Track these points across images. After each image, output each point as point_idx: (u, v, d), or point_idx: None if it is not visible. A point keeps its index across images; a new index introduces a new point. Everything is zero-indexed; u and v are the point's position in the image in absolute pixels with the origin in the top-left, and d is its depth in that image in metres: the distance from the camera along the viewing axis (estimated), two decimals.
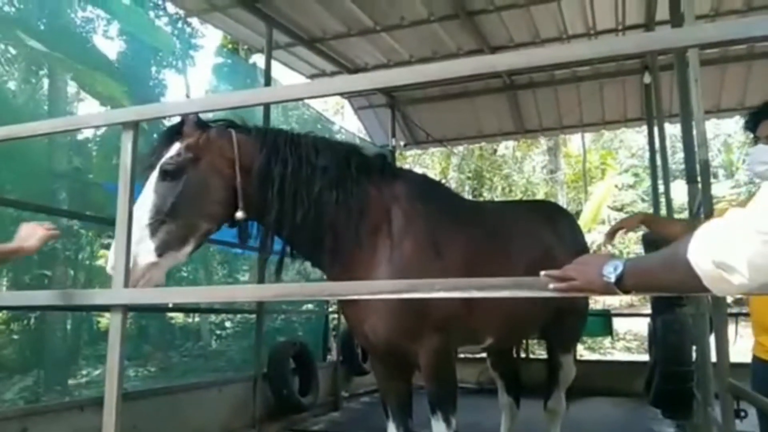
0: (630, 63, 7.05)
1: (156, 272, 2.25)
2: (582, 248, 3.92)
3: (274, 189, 2.47)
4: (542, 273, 1.54)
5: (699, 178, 3.19)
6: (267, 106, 5.48)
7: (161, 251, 2.23)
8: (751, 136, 2.54)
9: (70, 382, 6.25)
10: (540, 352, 7.89)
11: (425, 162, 16.01)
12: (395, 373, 2.99)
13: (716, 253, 1.14)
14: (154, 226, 2.24)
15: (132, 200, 2.10)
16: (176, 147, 2.37)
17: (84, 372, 6.67)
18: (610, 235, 2.88)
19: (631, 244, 16.57)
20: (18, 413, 3.35)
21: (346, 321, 3.23)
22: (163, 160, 2.35)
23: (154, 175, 2.34)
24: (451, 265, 2.73)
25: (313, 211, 2.52)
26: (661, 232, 2.80)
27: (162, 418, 4.14)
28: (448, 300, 2.52)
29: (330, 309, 7.55)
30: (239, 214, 2.41)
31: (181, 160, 2.34)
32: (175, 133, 2.43)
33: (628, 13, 5.80)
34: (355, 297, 2.40)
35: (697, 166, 3.18)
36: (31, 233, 2.21)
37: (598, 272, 1.40)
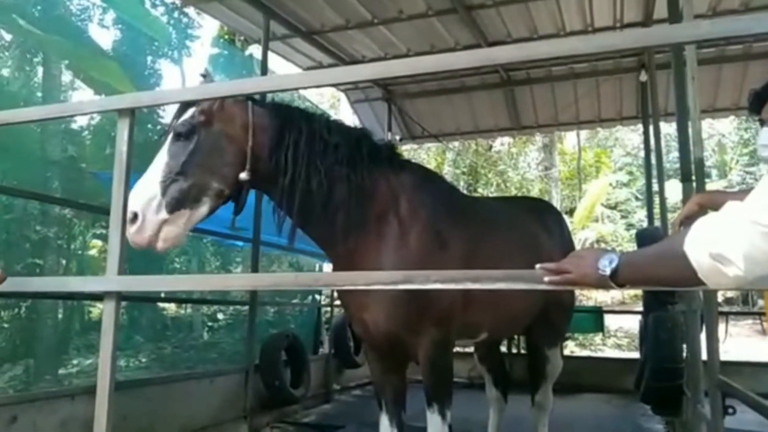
0: (627, 61, 7.06)
1: (170, 229, 2.25)
2: (568, 242, 4.08)
3: (288, 155, 2.50)
4: (537, 266, 1.54)
5: (694, 177, 3.21)
6: (263, 96, 5.47)
7: (172, 208, 2.25)
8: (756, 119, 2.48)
9: (61, 371, 6.22)
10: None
11: (421, 157, 16.00)
12: (391, 366, 2.99)
13: (713, 245, 1.14)
14: (166, 184, 2.26)
15: (127, 188, 2.09)
16: (191, 111, 2.42)
17: (75, 362, 6.64)
18: (677, 226, 2.87)
19: (624, 242, 16.66)
20: (8, 401, 3.33)
21: (345, 310, 3.23)
22: (178, 122, 2.40)
23: (170, 137, 2.38)
24: (454, 257, 2.75)
25: (326, 183, 2.54)
26: None
27: (153, 408, 4.13)
28: (450, 292, 2.53)
29: (323, 302, 7.56)
30: (243, 175, 2.42)
31: (195, 122, 2.38)
32: (192, 102, 2.47)
33: (626, 10, 5.81)
34: (351, 288, 2.40)
35: (692, 165, 3.20)
36: None
37: (593, 265, 1.41)
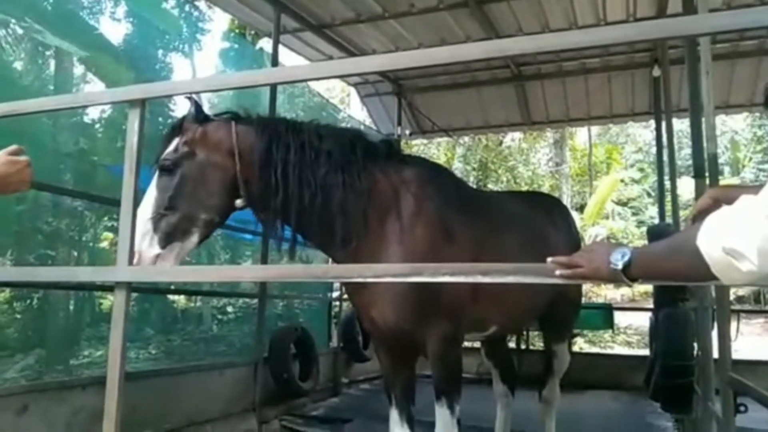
0: (639, 56, 7.00)
1: (164, 263, 2.32)
2: (575, 237, 4.13)
3: (277, 173, 2.48)
4: (549, 260, 1.53)
5: (707, 173, 3.17)
6: (273, 91, 5.47)
7: (164, 243, 2.31)
8: None
9: (72, 362, 6.27)
10: (539, 344, 7.90)
11: (430, 152, 15.96)
12: (400, 360, 2.99)
13: (726, 239, 1.12)
14: (156, 220, 2.32)
15: (138, 179, 2.09)
16: (175, 143, 2.45)
17: (86, 353, 6.68)
18: (690, 221, 2.85)
19: (635, 239, 16.56)
20: (19, 390, 3.36)
21: (353, 306, 3.24)
22: (162, 156, 2.44)
23: (157, 171, 2.43)
24: (462, 249, 2.73)
25: (320, 195, 2.52)
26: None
27: (162, 399, 4.16)
28: (458, 286, 2.52)
29: (334, 296, 7.57)
30: (238, 203, 2.47)
31: (177, 155, 2.42)
32: (177, 128, 2.51)
33: (639, 4, 5.75)
34: (360, 280, 2.40)
35: (705, 161, 3.16)
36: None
37: (605, 260, 1.39)
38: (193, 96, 2.52)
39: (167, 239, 2.32)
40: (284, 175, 2.49)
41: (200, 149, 2.44)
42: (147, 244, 2.28)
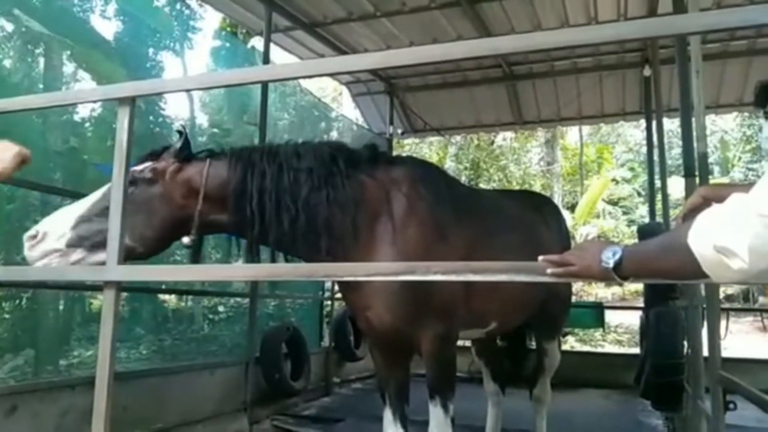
0: (630, 56, 7.05)
1: (58, 260, 2.28)
2: (565, 235, 4.17)
3: (252, 205, 2.46)
4: (540, 258, 1.53)
5: (697, 172, 3.19)
6: (264, 90, 5.45)
7: (71, 243, 2.28)
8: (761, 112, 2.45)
9: (62, 362, 6.22)
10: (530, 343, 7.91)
11: (422, 151, 15.97)
12: (395, 360, 2.99)
13: (717, 237, 1.13)
14: (81, 219, 2.31)
15: (127, 177, 2.07)
16: (146, 164, 2.46)
17: (75, 353, 6.63)
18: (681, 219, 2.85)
19: (626, 238, 16.64)
20: (8, 391, 3.33)
21: (348, 306, 3.23)
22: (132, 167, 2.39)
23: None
24: (455, 248, 2.73)
25: (303, 216, 2.48)
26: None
27: (153, 399, 4.14)
28: (451, 285, 2.52)
29: (325, 295, 7.56)
30: (186, 240, 2.47)
31: (139, 176, 2.41)
32: (156, 153, 2.51)
33: (630, 4, 5.79)
34: (351, 278, 2.39)
35: (696, 160, 3.18)
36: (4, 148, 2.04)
37: (596, 258, 1.39)
38: (185, 130, 2.51)
39: (77, 242, 2.28)
40: (260, 205, 2.46)
41: (163, 183, 2.44)
42: (55, 236, 2.26)
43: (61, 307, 6.32)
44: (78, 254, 2.30)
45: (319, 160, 2.59)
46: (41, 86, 6.40)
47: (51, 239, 2.26)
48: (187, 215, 2.46)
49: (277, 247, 2.61)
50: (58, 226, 2.28)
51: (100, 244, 2.24)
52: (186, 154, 2.50)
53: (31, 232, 2.27)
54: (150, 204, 2.42)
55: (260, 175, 2.49)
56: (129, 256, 2.31)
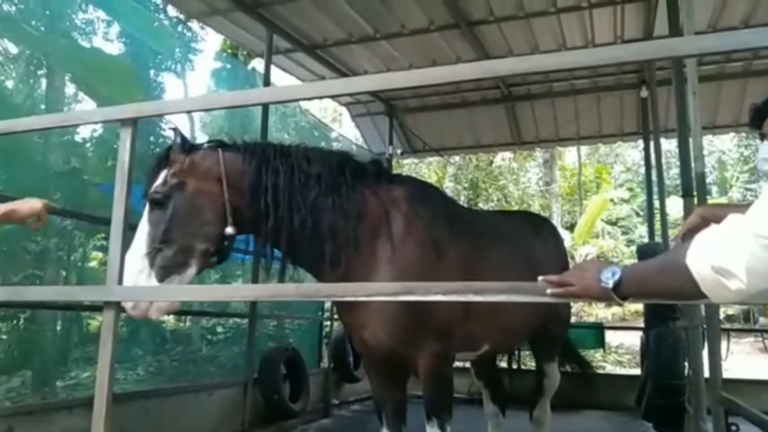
0: (628, 77, 7.11)
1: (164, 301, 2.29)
2: (563, 255, 4.17)
3: (267, 198, 2.48)
4: (540, 278, 1.53)
5: (695, 192, 3.21)
6: (265, 111, 5.49)
7: (162, 277, 2.27)
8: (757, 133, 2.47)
9: (59, 383, 6.18)
10: (531, 364, 7.87)
11: (422, 171, 16.02)
12: (391, 380, 2.98)
13: (715, 258, 1.13)
14: (152, 255, 2.28)
15: (129, 198, 2.09)
16: (163, 175, 2.43)
17: (73, 374, 6.59)
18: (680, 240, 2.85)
19: (625, 258, 16.62)
20: (4, 413, 3.30)
21: (344, 326, 3.23)
22: (151, 189, 2.40)
23: (147, 205, 2.40)
24: (452, 268, 2.74)
25: (310, 218, 2.51)
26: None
27: (151, 421, 4.10)
28: (449, 305, 2.52)
29: (324, 316, 7.53)
30: (229, 230, 2.43)
31: (167, 187, 2.39)
32: (163, 159, 2.48)
33: (627, 26, 5.85)
34: (351, 299, 2.39)
35: (693, 180, 3.20)
36: (28, 202, 2.17)
37: (595, 278, 1.39)
38: (176, 126, 2.51)
39: (165, 273, 2.27)
40: (275, 200, 2.48)
41: (189, 179, 2.42)
42: (144, 281, 2.24)
43: (58, 328, 6.29)
44: (174, 280, 2.30)
45: (328, 167, 2.63)
46: (43, 107, 6.44)
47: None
48: (221, 203, 2.44)
49: (286, 249, 2.59)
50: (138, 273, 2.24)
51: (185, 261, 2.32)
52: (189, 147, 2.51)
53: (128, 305, 2.21)
54: (194, 204, 2.40)
55: (274, 171, 2.52)
56: (205, 258, 2.38)
